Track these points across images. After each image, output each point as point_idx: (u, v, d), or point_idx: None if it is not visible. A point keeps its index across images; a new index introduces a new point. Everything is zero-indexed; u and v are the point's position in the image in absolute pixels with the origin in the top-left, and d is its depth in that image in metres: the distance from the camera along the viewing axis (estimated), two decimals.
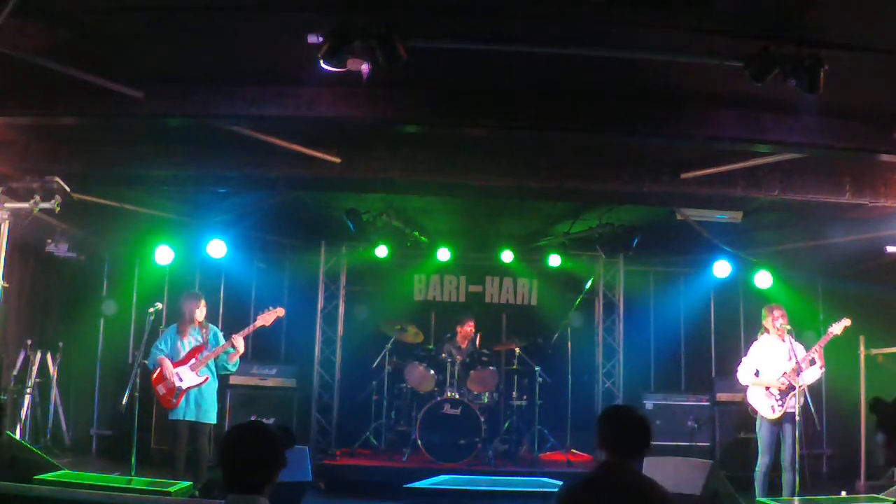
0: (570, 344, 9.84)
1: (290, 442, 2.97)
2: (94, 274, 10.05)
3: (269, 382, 9.37)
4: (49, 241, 8.32)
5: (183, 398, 6.75)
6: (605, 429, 3.43)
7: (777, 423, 6.93)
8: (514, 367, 9.25)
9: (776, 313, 7.12)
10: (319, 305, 9.87)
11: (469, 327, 9.29)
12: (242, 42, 5.13)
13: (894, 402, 2.98)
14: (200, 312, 7.04)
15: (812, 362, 6.93)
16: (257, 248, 10.31)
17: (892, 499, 6.47)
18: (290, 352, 10.13)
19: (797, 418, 6.68)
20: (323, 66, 4.57)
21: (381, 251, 9.65)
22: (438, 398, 8.51)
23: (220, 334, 7.12)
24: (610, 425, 3.44)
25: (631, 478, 3.28)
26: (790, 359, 6.85)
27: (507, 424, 9.09)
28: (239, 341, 6.87)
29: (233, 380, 8.87)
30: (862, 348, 8.78)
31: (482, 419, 8.40)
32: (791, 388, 6.83)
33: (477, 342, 9.34)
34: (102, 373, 9.99)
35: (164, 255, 9.32)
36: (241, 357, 7.05)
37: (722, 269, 9.75)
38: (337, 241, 9.88)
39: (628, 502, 3.18)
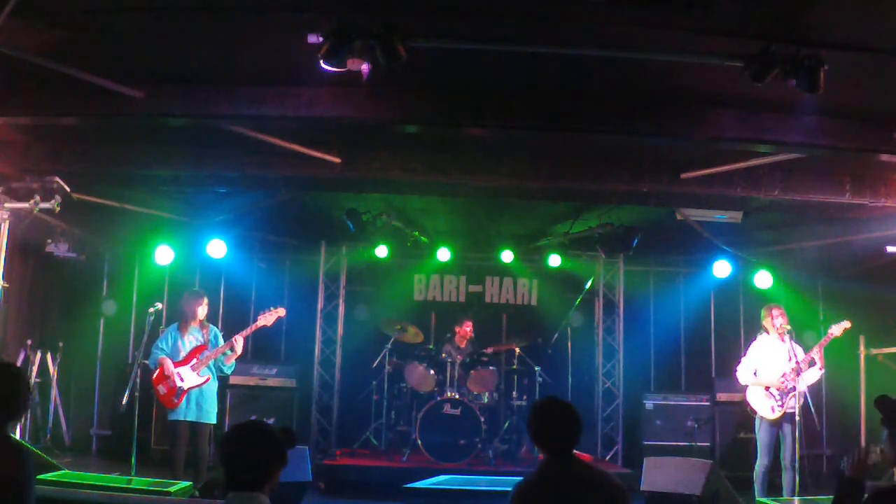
0: (570, 344, 9.85)
1: (291, 443, 2.99)
2: (94, 274, 10.06)
3: (269, 382, 9.37)
4: (49, 241, 8.31)
5: (184, 398, 6.74)
6: (536, 426, 3.40)
7: (776, 424, 6.92)
8: (514, 367, 9.25)
9: (775, 313, 7.11)
10: (319, 305, 9.87)
11: (467, 328, 9.29)
12: (242, 42, 5.13)
13: None
14: (202, 310, 7.03)
15: (812, 363, 6.92)
16: (257, 248, 10.32)
17: None
18: (290, 352, 10.13)
19: (797, 418, 6.68)
20: (323, 66, 4.57)
21: (381, 251, 9.66)
22: (438, 398, 8.50)
23: (221, 335, 7.11)
24: (543, 422, 3.39)
25: (580, 469, 3.29)
26: (790, 359, 6.84)
27: (507, 424, 9.09)
28: (239, 342, 6.87)
29: (233, 380, 8.87)
30: (862, 348, 8.79)
31: (482, 419, 8.40)
32: (791, 388, 6.83)
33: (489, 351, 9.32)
34: (102, 373, 9.99)
35: (164, 255, 9.33)
36: (238, 359, 7.04)
37: (722, 269, 9.75)
38: (337, 241, 9.88)
39: (583, 494, 3.19)
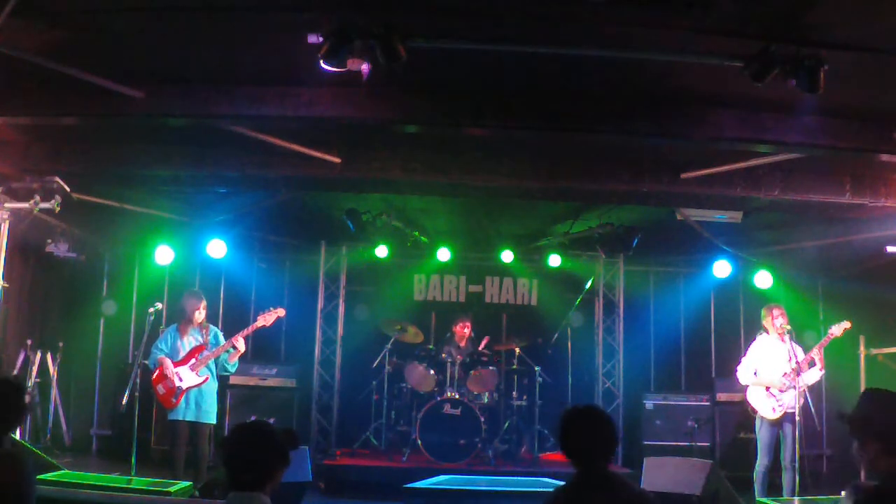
0: (570, 344, 9.85)
1: (294, 444, 3.00)
2: (94, 274, 10.06)
3: (269, 382, 9.37)
4: (49, 241, 8.31)
5: (183, 398, 6.74)
6: (568, 436, 3.19)
7: (777, 424, 6.93)
8: (514, 367, 9.25)
9: (775, 313, 7.12)
10: (319, 305, 9.87)
11: (465, 328, 9.30)
12: (242, 42, 5.13)
13: (859, 409, 2.98)
14: (200, 313, 7.03)
15: (812, 364, 6.93)
16: (257, 248, 10.32)
17: None
18: (290, 352, 10.13)
19: (797, 418, 6.69)
20: (323, 66, 4.57)
21: (381, 251, 9.66)
22: (438, 398, 8.50)
23: (221, 335, 7.11)
24: (576, 432, 3.18)
25: (613, 482, 3.12)
26: (790, 359, 6.85)
27: (507, 424, 9.08)
28: (240, 342, 6.87)
29: (233, 380, 8.87)
30: (862, 348, 8.78)
31: (482, 419, 8.40)
32: (791, 387, 6.83)
33: (481, 345, 9.31)
34: (102, 373, 9.99)
35: (164, 255, 9.33)
36: (240, 357, 7.05)
37: (722, 269, 9.76)
38: (337, 241, 9.88)
39: None
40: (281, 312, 7.17)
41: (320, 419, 9.60)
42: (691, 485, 5.79)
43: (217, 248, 9.36)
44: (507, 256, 10.00)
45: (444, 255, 9.89)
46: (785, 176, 7.23)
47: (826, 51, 4.57)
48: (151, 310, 6.80)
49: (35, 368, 8.64)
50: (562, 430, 3.21)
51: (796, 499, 6.57)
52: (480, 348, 9.23)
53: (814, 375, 6.94)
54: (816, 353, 6.92)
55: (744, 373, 7.19)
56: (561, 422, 3.23)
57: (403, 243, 9.83)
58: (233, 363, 7.01)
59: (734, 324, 10.36)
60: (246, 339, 6.98)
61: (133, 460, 6.51)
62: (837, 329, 6.97)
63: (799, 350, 6.95)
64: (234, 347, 6.86)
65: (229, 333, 7.13)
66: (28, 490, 3.07)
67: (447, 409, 8.41)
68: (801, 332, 7.47)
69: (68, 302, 9.76)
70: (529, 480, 7.75)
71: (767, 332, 7.19)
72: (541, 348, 9.73)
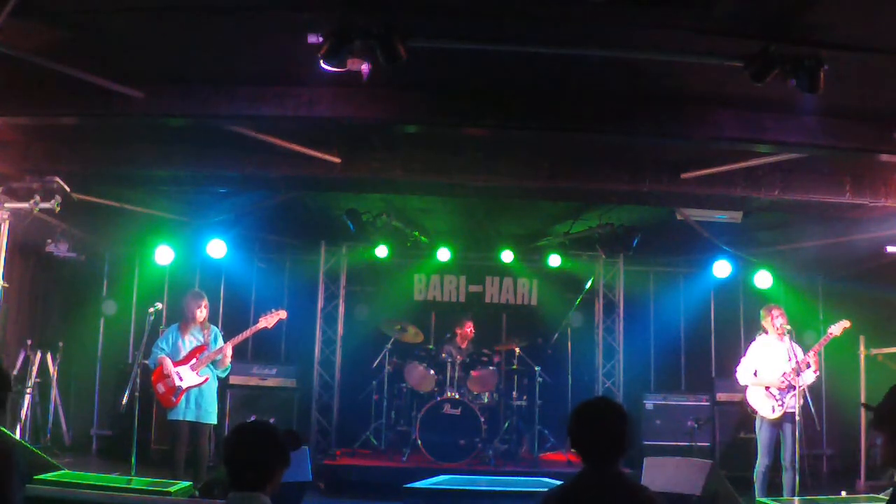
0: (570, 344, 9.85)
1: (297, 444, 3.00)
2: (94, 274, 10.06)
3: (269, 382, 9.37)
4: (49, 241, 8.32)
5: (183, 398, 6.75)
6: (575, 428, 3.03)
7: (777, 424, 6.93)
8: (514, 367, 9.25)
9: (775, 313, 7.13)
10: (319, 305, 9.87)
11: (468, 329, 9.30)
12: (242, 42, 5.13)
13: (887, 399, 2.94)
14: (202, 313, 7.04)
15: (809, 366, 6.93)
16: (257, 248, 10.33)
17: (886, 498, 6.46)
18: (290, 352, 10.13)
19: (797, 418, 6.69)
20: (323, 66, 4.57)
21: (381, 251, 9.66)
22: (438, 398, 8.51)
23: (220, 336, 7.12)
24: (582, 424, 3.02)
25: (619, 482, 2.97)
26: (790, 359, 6.85)
27: (507, 424, 9.09)
28: (228, 350, 6.88)
29: (233, 380, 8.88)
30: (862, 348, 8.78)
31: (482, 419, 8.40)
32: (791, 387, 6.84)
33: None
34: (102, 373, 10.00)
35: (164, 255, 9.33)
36: (237, 360, 7.05)
37: (722, 269, 9.76)
38: (337, 241, 9.88)
39: None
40: (283, 314, 7.18)
41: (320, 419, 9.60)
42: (691, 485, 5.79)
43: (217, 248, 9.36)
44: (507, 256, 10.00)
45: (444, 255, 9.89)
46: (785, 176, 7.22)
47: (826, 51, 4.57)
48: (151, 310, 6.80)
49: (35, 368, 8.64)
50: (571, 423, 3.06)
51: (796, 499, 6.58)
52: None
53: (809, 377, 6.94)
54: (812, 357, 6.91)
55: (743, 373, 7.19)
56: (571, 414, 3.08)
57: (403, 243, 9.83)
58: (222, 369, 7.02)
59: (734, 324, 10.36)
60: (246, 339, 6.97)
61: (133, 460, 6.52)
62: (837, 329, 6.98)
63: (799, 350, 6.95)
64: (223, 354, 6.87)
65: (230, 333, 7.13)
66: (8, 472, 3.03)
67: (447, 409, 8.41)
68: (801, 332, 7.47)
69: (68, 302, 9.76)
70: (529, 480, 7.73)
71: (767, 333, 7.20)
72: (541, 348, 9.74)
